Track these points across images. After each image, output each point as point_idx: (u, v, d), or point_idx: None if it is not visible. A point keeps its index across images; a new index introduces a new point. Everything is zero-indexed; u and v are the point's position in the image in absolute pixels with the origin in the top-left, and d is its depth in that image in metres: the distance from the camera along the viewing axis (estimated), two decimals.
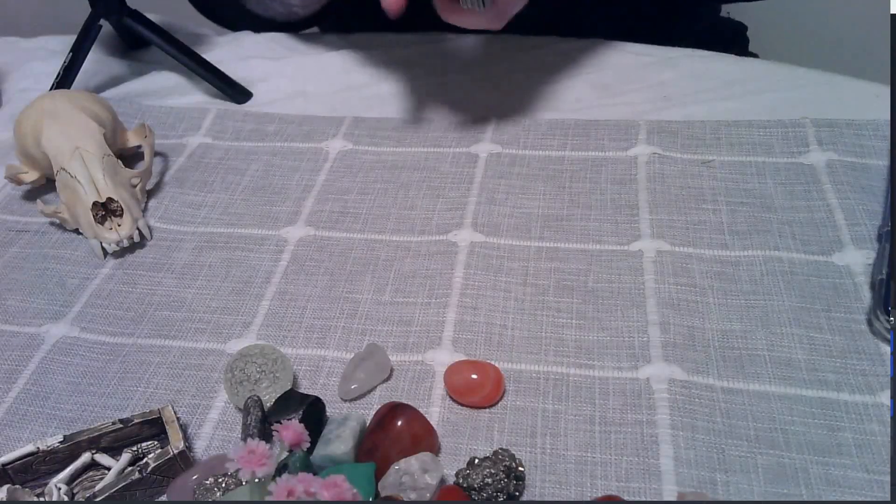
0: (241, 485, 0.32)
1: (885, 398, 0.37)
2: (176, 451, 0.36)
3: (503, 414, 0.39)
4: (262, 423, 0.38)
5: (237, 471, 0.30)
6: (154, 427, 0.39)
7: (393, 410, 0.37)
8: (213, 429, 0.40)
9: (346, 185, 0.54)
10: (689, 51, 0.64)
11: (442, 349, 0.42)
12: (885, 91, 0.56)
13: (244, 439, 0.37)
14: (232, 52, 0.71)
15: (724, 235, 0.47)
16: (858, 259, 0.44)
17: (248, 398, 0.38)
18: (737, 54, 0.64)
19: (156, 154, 0.58)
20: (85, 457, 0.38)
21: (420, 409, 0.37)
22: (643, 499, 0.35)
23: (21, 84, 0.69)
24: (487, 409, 0.39)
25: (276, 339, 0.44)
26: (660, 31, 0.69)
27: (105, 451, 0.38)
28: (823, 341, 0.40)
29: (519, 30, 0.69)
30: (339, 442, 0.36)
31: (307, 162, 0.57)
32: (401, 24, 0.72)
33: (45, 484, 0.37)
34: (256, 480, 0.31)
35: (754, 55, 0.80)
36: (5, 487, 0.36)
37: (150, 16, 0.67)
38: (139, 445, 0.39)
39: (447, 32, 0.70)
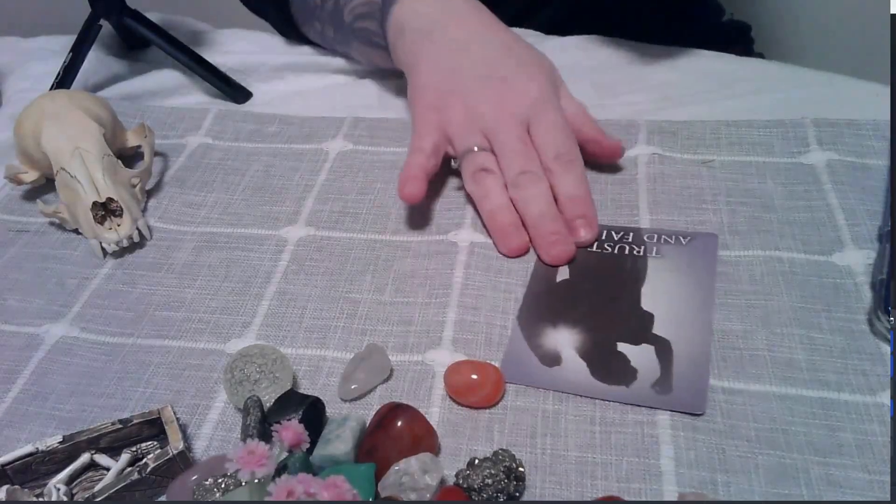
0: (241, 485, 0.32)
1: (885, 398, 0.37)
2: (175, 452, 0.36)
3: (503, 414, 0.39)
4: (261, 423, 0.37)
5: (237, 471, 0.30)
6: (153, 427, 0.39)
7: (393, 411, 0.36)
8: (213, 429, 0.40)
9: (346, 184, 0.54)
10: (689, 50, 0.64)
11: (442, 349, 0.42)
12: (886, 91, 0.56)
13: (244, 440, 0.37)
14: (232, 52, 0.71)
15: (724, 235, 0.47)
16: (859, 259, 0.44)
17: (248, 398, 0.38)
18: (741, 54, 0.64)
19: (156, 154, 0.58)
20: (84, 457, 0.38)
21: (420, 410, 0.37)
22: (644, 499, 0.35)
23: (21, 84, 0.69)
24: (487, 410, 0.39)
25: (275, 339, 0.44)
26: (661, 30, 0.69)
27: (104, 451, 0.38)
28: (824, 341, 0.40)
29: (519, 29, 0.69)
30: (338, 442, 0.36)
31: (307, 162, 0.57)
32: None
33: (45, 484, 0.37)
34: (256, 481, 0.31)
35: (760, 55, 0.80)
36: (5, 488, 0.36)
37: (150, 15, 0.67)
38: (139, 446, 0.39)
39: None
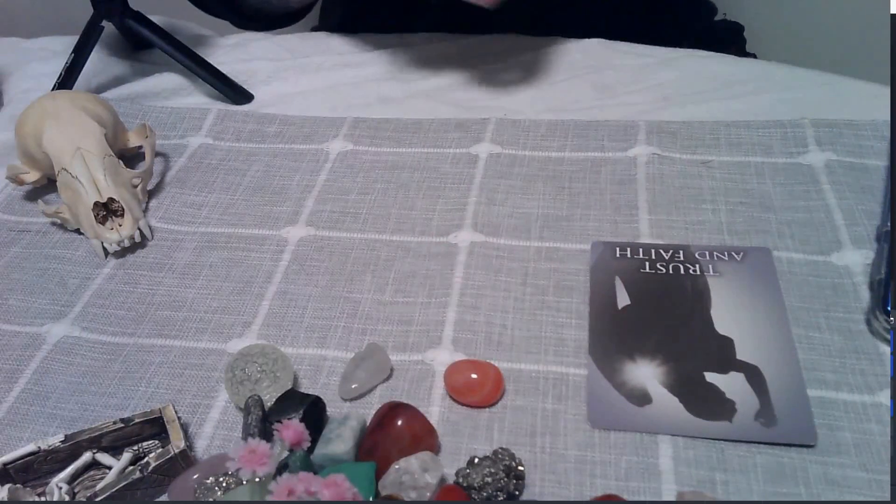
0: (242, 484, 0.33)
1: (883, 398, 0.37)
2: (177, 451, 0.36)
3: (503, 413, 0.39)
4: (262, 422, 0.38)
5: (238, 470, 0.30)
6: (155, 426, 0.39)
7: (393, 410, 0.37)
8: (214, 428, 0.40)
9: (347, 185, 0.54)
10: (688, 51, 0.64)
11: (442, 349, 0.42)
12: (884, 91, 0.56)
13: (245, 439, 0.37)
14: (234, 54, 0.71)
15: (723, 235, 0.47)
16: (857, 259, 0.44)
17: (249, 398, 0.39)
18: (735, 55, 0.65)
19: (157, 154, 0.58)
20: (86, 456, 0.38)
21: (420, 409, 0.37)
22: (643, 498, 0.35)
23: (23, 85, 0.69)
24: (487, 409, 0.39)
25: (276, 338, 0.44)
26: (659, 31, 0.69)
27: (106, 450, 0.38)
28: (822, 341, 0.40)
29: (519, 30, 0.70)
30: (339, 441, 0.36)
31: (308, 162, 0.57)
32: (403, 25, 0.73)
33: (47, 483, 0.37)
34: (257, 480, 0.31)
35: (752, 55, 0.80)
36: (7, 487, 0.36)
37: (153, 17, 0.67)
38: (140, 445, 0.39)
39: (448, 34, 0.70)
